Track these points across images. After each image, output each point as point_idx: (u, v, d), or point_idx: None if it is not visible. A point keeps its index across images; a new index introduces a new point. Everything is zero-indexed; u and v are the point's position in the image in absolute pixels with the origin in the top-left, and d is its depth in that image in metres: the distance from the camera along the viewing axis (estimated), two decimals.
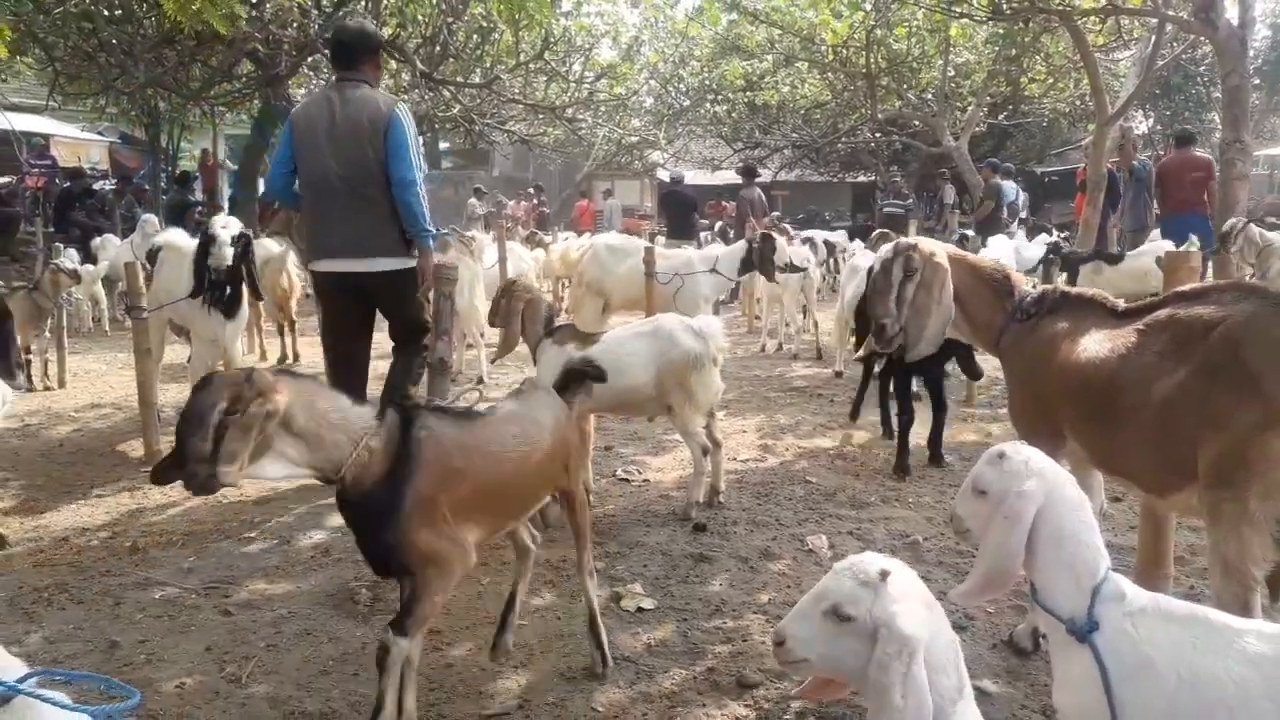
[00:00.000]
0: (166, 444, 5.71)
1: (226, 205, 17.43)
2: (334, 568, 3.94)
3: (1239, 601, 2.35)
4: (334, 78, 4.36)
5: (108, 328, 10.94)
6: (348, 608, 3.56)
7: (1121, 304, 2.88)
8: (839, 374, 8.18)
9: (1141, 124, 25.97)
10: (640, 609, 3.51)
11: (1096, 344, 2.80)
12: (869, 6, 14.40)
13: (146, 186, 18.75)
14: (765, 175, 22.98)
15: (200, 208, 15.72)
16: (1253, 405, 2.34)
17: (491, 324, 4.92)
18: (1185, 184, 9.94)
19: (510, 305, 4.56)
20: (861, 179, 30.59)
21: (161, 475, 2.29)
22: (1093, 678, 1.65)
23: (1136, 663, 1.64)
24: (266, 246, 7.97)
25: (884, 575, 1.57)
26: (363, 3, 11.94)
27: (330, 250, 4.32)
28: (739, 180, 14.72)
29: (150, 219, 11.44)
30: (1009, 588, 1.76)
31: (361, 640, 3.29)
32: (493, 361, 6.04)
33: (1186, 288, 2.80)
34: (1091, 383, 2.77)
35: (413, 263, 4.26)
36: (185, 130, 20.74)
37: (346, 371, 4.30)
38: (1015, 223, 13.98)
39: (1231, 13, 8.11)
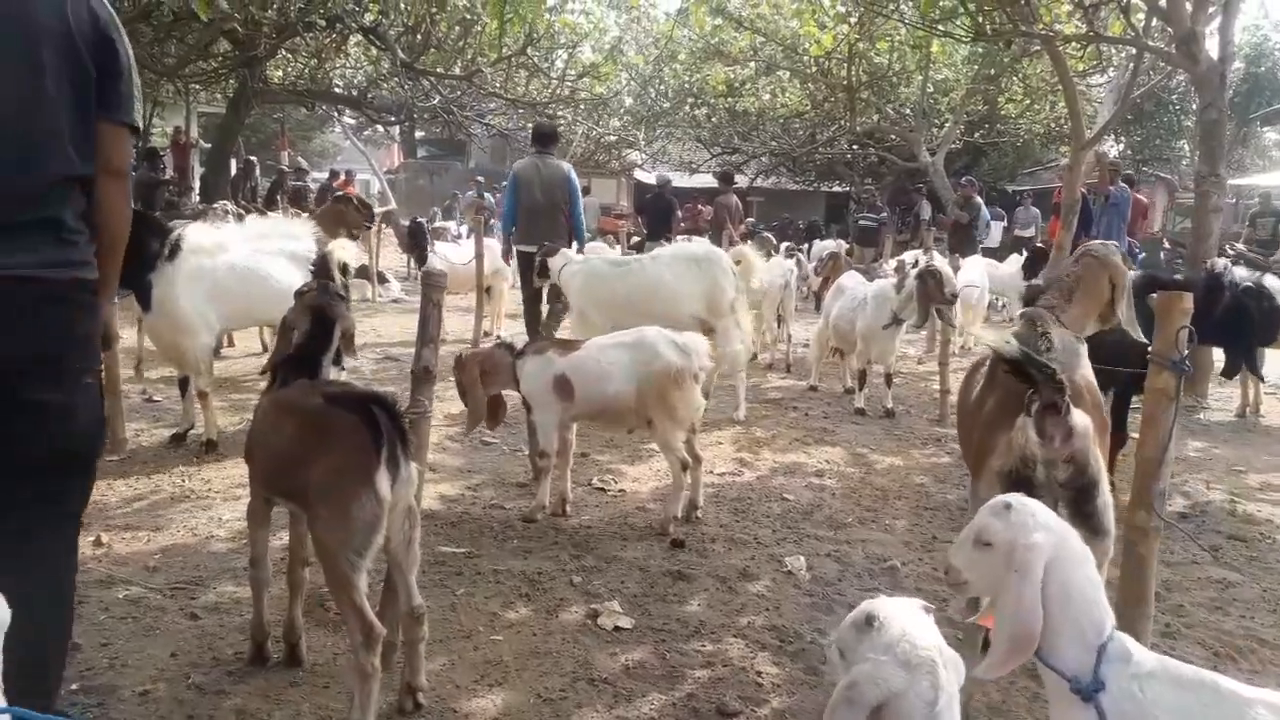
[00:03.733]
0: (133, 431, 5.62)
1: (198, 185, 17.18)
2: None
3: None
4: (543, 149, 7.67)
5: None
6: (318, 615, 3.47)
7: None
8: (814, 388, 8.20)
9: (1112, 149, 26.29)
10: (618, 628, 3.46)
11: None
12: (853, 20, 14.43)
13: None
14: (741, 181, 23.00)
15: (171, 186, 15.42)
16: None
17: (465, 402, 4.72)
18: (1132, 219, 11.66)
19: (467, 376, 4.50)
20: (836, 189, 30.74)
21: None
22: None
23: None
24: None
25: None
26: None
27: (534, 240, 7.24)
28: (715, 184, 14.73)
29: None
30: (1034, 649, 1.71)
31: (333, 651, 3.22)
32: (467, 435, 5.64)
33: None
34: None
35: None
36: (158, 107, 20.35)
37: (532, 306, 7.47)
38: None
39: (1212, 46, 8.20)
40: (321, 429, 2.67)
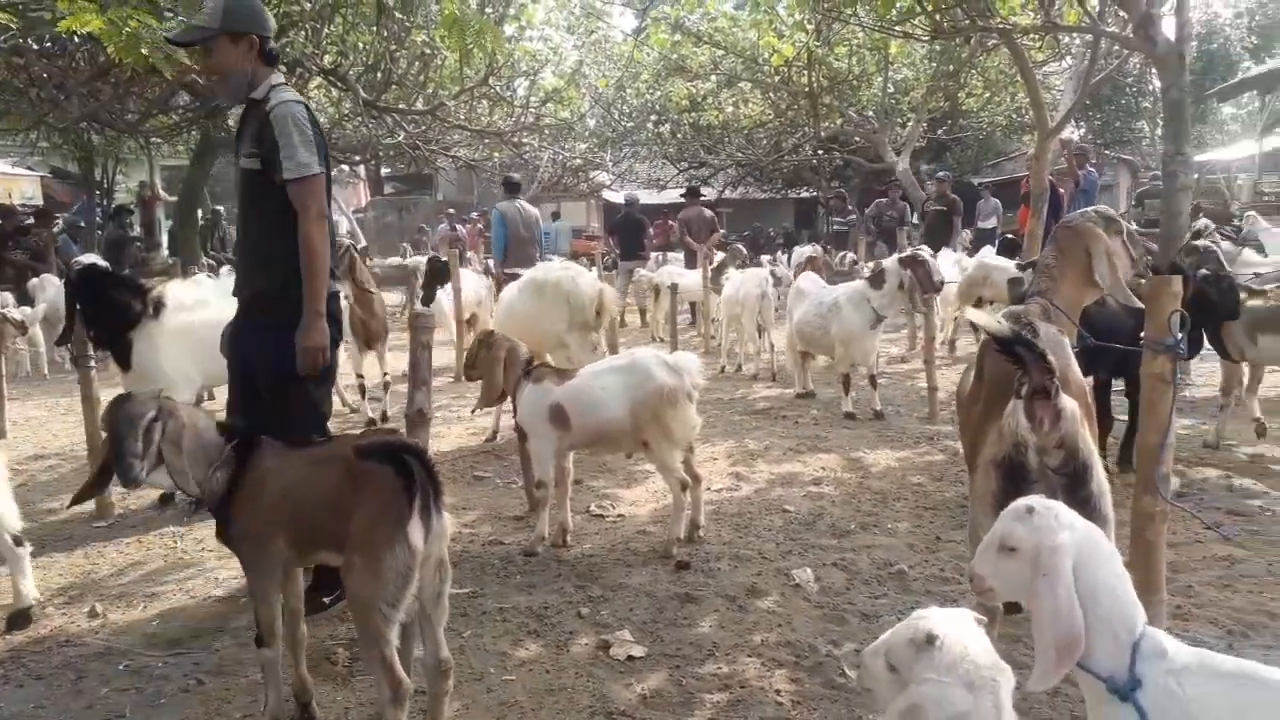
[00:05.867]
0: (119, 495, 5.50)
1: (165, 239, 17.05)
2: (307, 625, 3.77)
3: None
4: (513, 195, 9.65)
5: (46, 371, 10.56)
6: (325, 669, 3.40)
7: None
8: (799, 395, 8.18)
9: (1074, 134, 26.58)
10: (630, 657, 3.41)
11: None
12: (811, 27, 14.52)
13: (82, 223, 18.23)
14: (709, 193, 23.07)
15: (139, 243, 15.30)
16: None
17: (469, 377, 4.87)
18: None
19: (491, 355, 4.55)
20: (804, 195, 30.90)
21: (88, 492, 2.96)
22: None
23: None
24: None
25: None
26: (303, 33, 11.72)
27: (521, 264, 8.56)
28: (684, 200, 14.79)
29: (49, 278, 11.15)
30: (1080, 650, 1.67)
31: (344, 705, 3.15)
32: (473, 412, 6.28)
33: None
34: None
35: None
36: (120, 163, 20.22)
37: None
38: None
39: (1168, 27, 8.27)
40: (354, 479, 2.62)
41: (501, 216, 9.36)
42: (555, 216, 24.27)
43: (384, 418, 7.52)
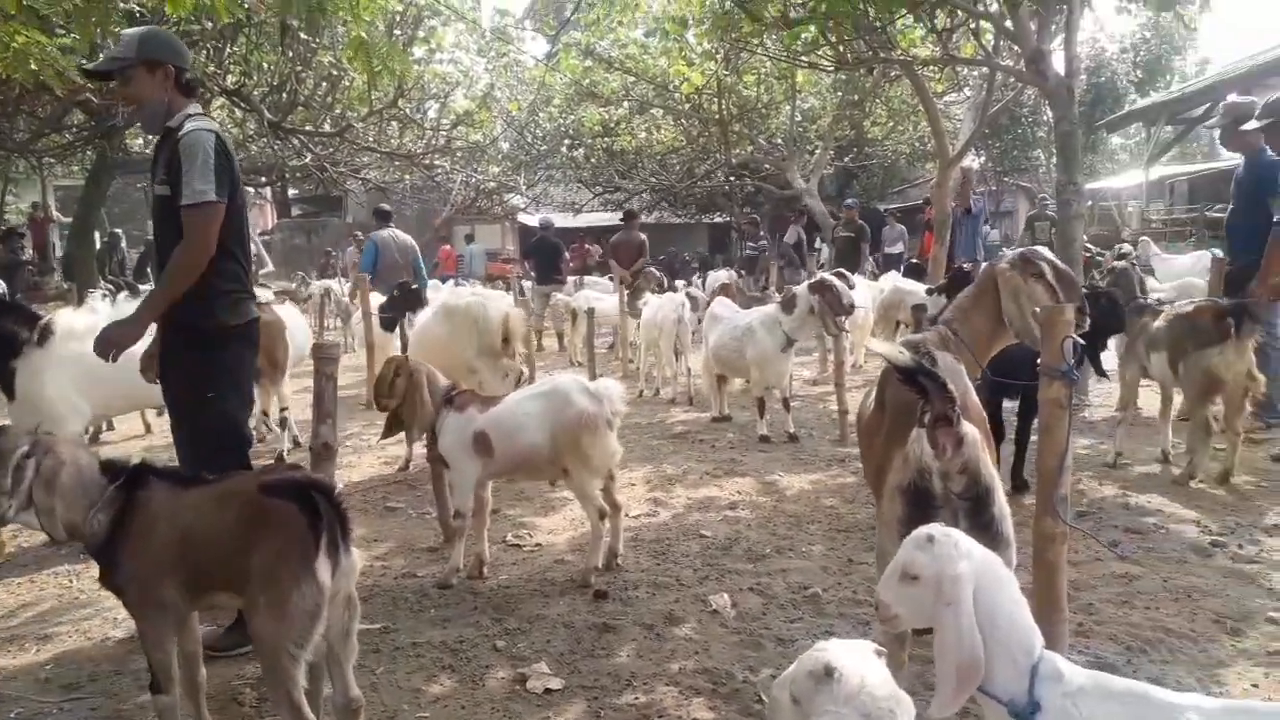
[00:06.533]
0: (10, 534, 5.25)
1: (58, 263, 16.40)
2: (210, 664, 3.63)
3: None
4: (385, 224, 10.06)
5: None
6: (231, 710, 3.30)
7: None
8: (715, 419, 8.26)
9: (974, 162, 27.50)
10: (548, 690, 3.38)
11: None
12: (720, 56, 14.78)
13: None
14: None
15: (31, 267, 14.69)
16: None
17: (382, 406, 4.74)
18: None
19: (414, 381, 4.47)
20: (718, 220, 31.34)
21: None
22: None
23: None
24: None
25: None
26: (204, 53, 11.46)
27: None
28: (602, 224, 14.85)
29: None
30: (980, 677, 1.72)
31: None
32: (411, 445, 6.36)
33: None
34: None
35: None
36: (10, 183, 19.41)
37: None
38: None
39: (1058, 62, 8.65)
40: (258, 516, 2.55)
41: (374, 244, 9.77)
42: (469, 239, 24.12)
43: (279, 458, 6.85)
